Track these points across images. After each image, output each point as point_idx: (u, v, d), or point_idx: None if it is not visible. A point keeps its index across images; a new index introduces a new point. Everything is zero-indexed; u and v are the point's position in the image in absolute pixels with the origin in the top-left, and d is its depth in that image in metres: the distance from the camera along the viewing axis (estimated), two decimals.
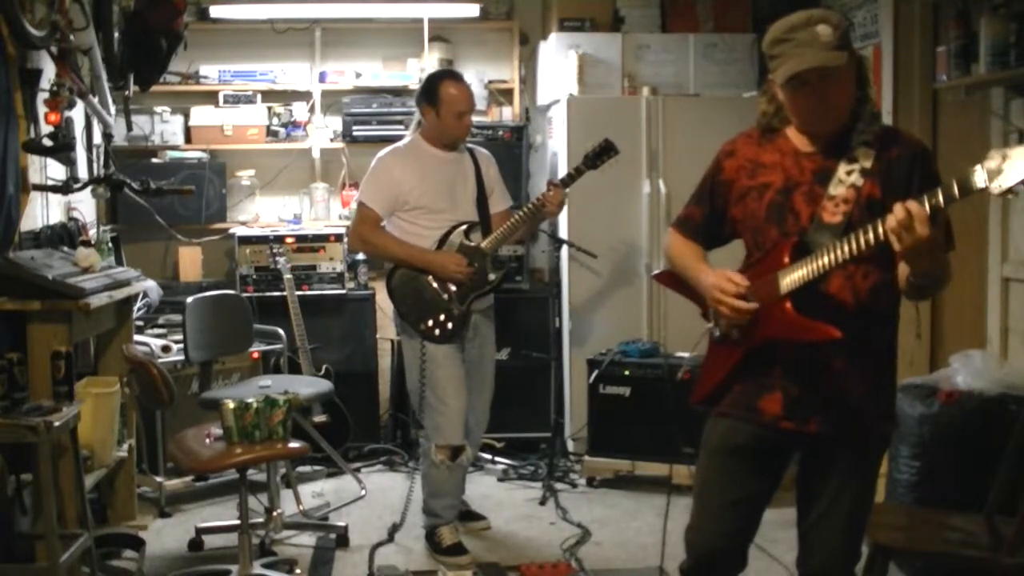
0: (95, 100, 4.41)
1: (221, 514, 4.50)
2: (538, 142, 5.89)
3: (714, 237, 2.65)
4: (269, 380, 4.56)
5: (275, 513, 4.15)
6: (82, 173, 4.57)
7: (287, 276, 5.15)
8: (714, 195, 2.60)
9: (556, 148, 5.55)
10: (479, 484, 4.94)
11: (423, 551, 4.12)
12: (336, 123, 5.81)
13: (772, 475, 2.58)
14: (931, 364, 4.57)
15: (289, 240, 5.43)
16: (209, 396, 4.29)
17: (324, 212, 5.81)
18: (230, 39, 5.78)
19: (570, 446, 5.31)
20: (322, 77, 5.79)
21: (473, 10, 5.73)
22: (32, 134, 3.88)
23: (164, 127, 5.61)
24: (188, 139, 5.67)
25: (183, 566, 3.98)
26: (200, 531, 4.20)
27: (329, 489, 4.94)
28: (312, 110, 5.79)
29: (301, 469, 5.07)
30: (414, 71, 5.74)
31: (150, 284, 4.81)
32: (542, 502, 4.72)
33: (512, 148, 5.54)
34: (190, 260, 5.63)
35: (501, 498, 4.82)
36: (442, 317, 4.07)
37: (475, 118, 5.31)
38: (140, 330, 4.80)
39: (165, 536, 4.34)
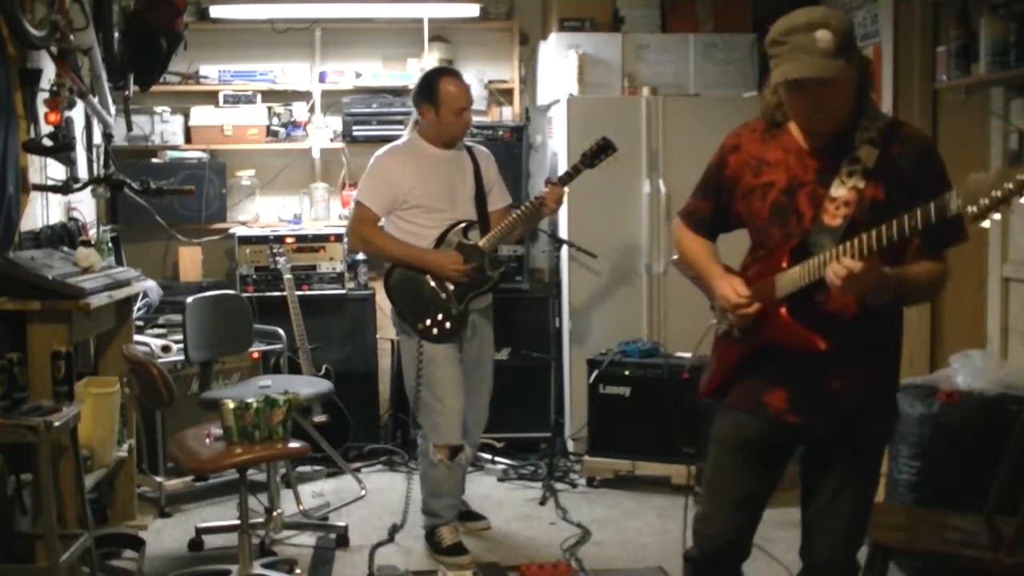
0: (95, 100, 4.41)
1: (221, 514, 4.50)
2: (538, 142, 5.89)
3: (720, 229, 2.68)
4: (269, 380, 4.56)
5: (275, 513, 4.15)
6: (82, 173, 4.57)
7: (287, 276, 5.15)
8: (720, 190, 2.61)
9: (556, 148, 5.55)
10: (479, 484, 4.94)
11: (423, 551, 4.12)
12: (336, 123, 5.81)
13: (778, 468, 2.62)
14: (931, 364, 4.57)
15: (289, 240, 5.43)
16: (209, 396, 4.29)
17: (324, 212, 5.81)
18: (230, 39, 5.78)
19: (570, 446, 5.31)
20: (322, 77, 5.79)
21: (473, 10, 5.73)
22: (32, 134, 3.88)
23: (164, 127, 5.61)
24: (188, 139, 5.68)
25: (183, 566, 3.97)
26: (200, 531, 4.20)
27: (329, 489, 4.94)
28: (312, 110, 5.79)
29: (301, 469, 5.07)
30: (414, 71, 5.73)
31: (150, 284, 4.81)
32: (542, 502, 4.72)
33: (512, 148, 5.54)
34: (190, 260, 5.63)
35: (501, 498, 4.82)
36: (440, 316, 4.07)
37: (475, 118, 5.32)
38: (140, 330, 4.80)
39: (165, 536, 4.34)
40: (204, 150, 5.64)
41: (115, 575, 3.88)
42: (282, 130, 5.75)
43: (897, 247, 2.24)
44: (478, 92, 5.72)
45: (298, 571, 3.88)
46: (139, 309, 4.84)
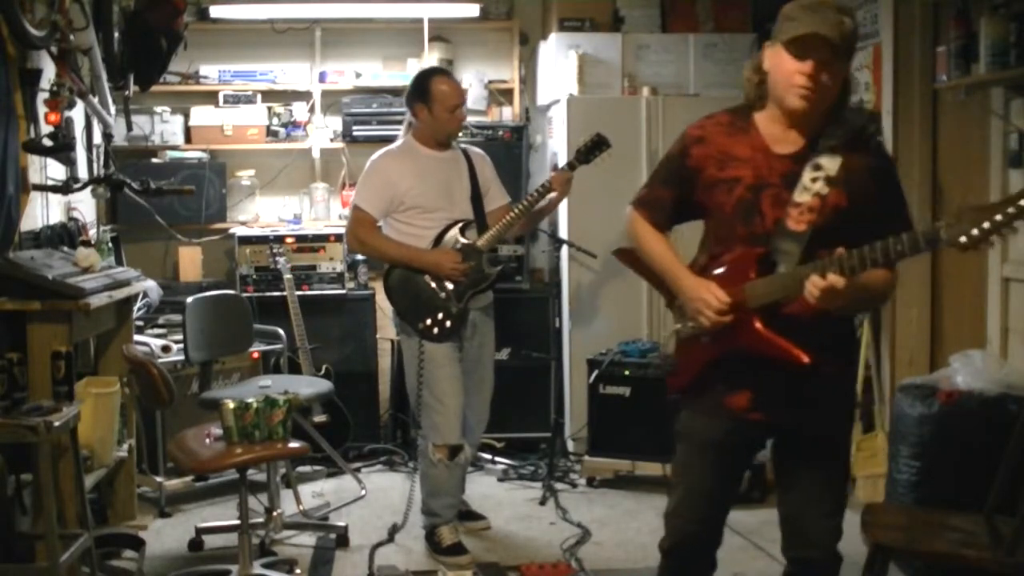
0: (95, 100, 4.41)
1: (221, 514, 4.49)
2: (538, 142, 5.89)
3: (677, 219, 2.68)
4: (269, 380, 4.55)
5: (275, 513, 4.15)
6: (82, 173, 4.57)
7: (287, 276, 5.15)
8: (682, 179, 2.59)
9: (556, 148, 5.55)
10: (479, 484, 4.94)
11: (423, 551, 4.12)
12: (336, 123, 5.81)
13: (744, 462, 2.73)
14: (931, 364, 4.58)
15: (289, 240, 5.43)
16: (209, 396, 4.29)
17: (324, 212, 5.81)
18: (230, 39, 5.78)
19: (570, 446, 5.31)
20: (322, 77, 5.79)
21: (473, 10, 5.73)
22: (32, 134, 3.88)
23: (164, 127, 5.61)
24: (188, 139, 5.68)
25: (183, 566, 3.97)
26: (200, 531, 4.20)
27: (329, 489, 4.94)
28: (312, 110, 5.79)
29: (301, 469, 5.07)
30: (414, 71, 5.69)
31: (150, 284, 4.81)
32: (542, 502, 4.72)
33: (512, 148, 5.54)
34: (190, 260, 5.63)
35: (501, 498, 4.82)
36: (440, 316, 4.07)
37: (475, 118, 5.32)
38: (140, 330, 4.80)
39: (165, 536, 4.34)
40: (204, 150, 5.64)
41: (115, 575, 3.88)
42: (282, 130, 5.75)
43: (842, 244, 2.29)
44: (478, 92, 5.73)
45: (298, 571, 3.88)
46: (139, 309, 4.84)
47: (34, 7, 3.70)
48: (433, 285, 4.09)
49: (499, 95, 5.92)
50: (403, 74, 5.75)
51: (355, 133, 5.68)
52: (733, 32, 5.63)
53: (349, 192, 5.73)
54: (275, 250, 5.26)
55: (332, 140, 5.79)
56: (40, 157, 4.03)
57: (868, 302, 2.52)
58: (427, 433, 4.10)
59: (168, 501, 4.62)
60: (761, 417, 2.52)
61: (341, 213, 5.80)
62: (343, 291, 5.49)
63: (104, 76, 4.40)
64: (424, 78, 4.18)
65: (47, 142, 3.86)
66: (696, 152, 2.55)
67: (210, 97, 5.71)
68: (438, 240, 4.11)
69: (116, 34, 4.49)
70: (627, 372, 4.91)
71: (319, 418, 5.00)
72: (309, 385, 4.58)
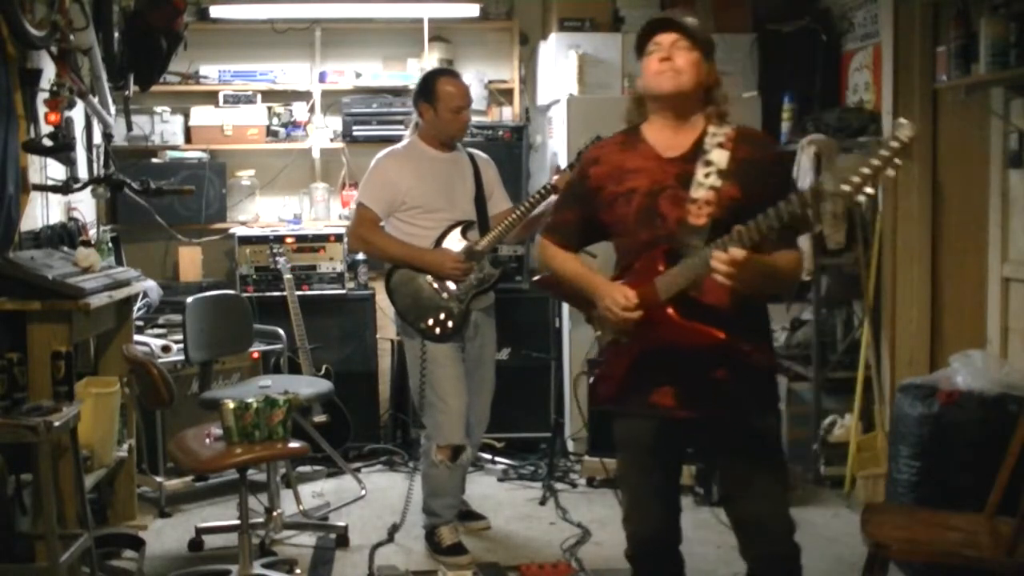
0: (95, 100, 4.41)
1: (221, 514, 4.49)
2: (538, 142, 5.89)
3: (586, 239, 2.84)
4: (269, 380, 4.55)
5: (275, 513, 4.15)
6: (82, 173, 4.57)
7: (287, 276, 5.15)
8: (584, 199, 2.74)
9: (556, 148, 5.55)
10: (479, 484, 4.94)
11: (423, 551, 4.12)
12: (336, 123, 5.81)
13: (680, 457, 2.79)
14: (931, 364, 4.58)
15: (289, 240, 5.43)
16: (209, 396, 4.29)
17: (324, 212, 5.81)
18: (230, 39, 5.78)
19: (570, 446, 5.31)
20: (322, 77, 5.79)
21: (473, 10, 5.73)
22: (32, 134, 3.88)
23: (164, 127, 5.61)
24: (188, 139, 5.67)
25: (183, 566, 3.97)
26: (200, 531, 4.20)
27: (329, 489, 4.94)
28: (312, 110, 5.79)
29: (301, 469, 5.07)
30: (414, 71, 5.73)
31: (150, 284, 4.81)
32: (542, 502, 4.72)
33: (512, 148, 5.53)
34: (190, 260, 5.63)
35: (501, 498, 4.82)
36: (442, 316, 4.08)
37: (475, 118, 5.30)
38: (140, 330, 4.80)
39: (165, 536, 4.34)
40: (204, 150, 5.64)
41: (115, 575, 3.88)
42: (282, 130, 5.75)
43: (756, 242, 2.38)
44: (478, 92, 5.72)
45: (298, 571, 3.88)
46: (139, 309, 4.84)
47: (34, 7, 3.70)
48: (435, 285, 4.09)
49: (499, 95, 5.92)
50: (403, 74, 5.76)
51: (355, 133, 5.68)
52: (733, 32, 5.62)
53: (349, 192, 5.75)
54: (275, 250, 5.26)
55: (332, 140, 5.79)
56: (40, 157, 4.03)
57: (780, 284, 2.58)
58: (431, 433, 4.10)
59: (168, 501, 4.62)
60: (687, 415, 2.59)
61: (341, 213, 5.80)
62: (343, 291, 5.48)
63: (104, 76, 4.40)
64: (431, 78, 4.20)
65: (47, 142, 3.86)
66: (594, 172, 2.71)
67: (210, 97, 5.71)
68: (439, 240, 4.11)
69: (116, 34, 4.49)
70: None
71: (319, 418, 5.00)
72: (309, 385, 4.58)
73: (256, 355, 5.03)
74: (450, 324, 4.08)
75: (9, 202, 3.63)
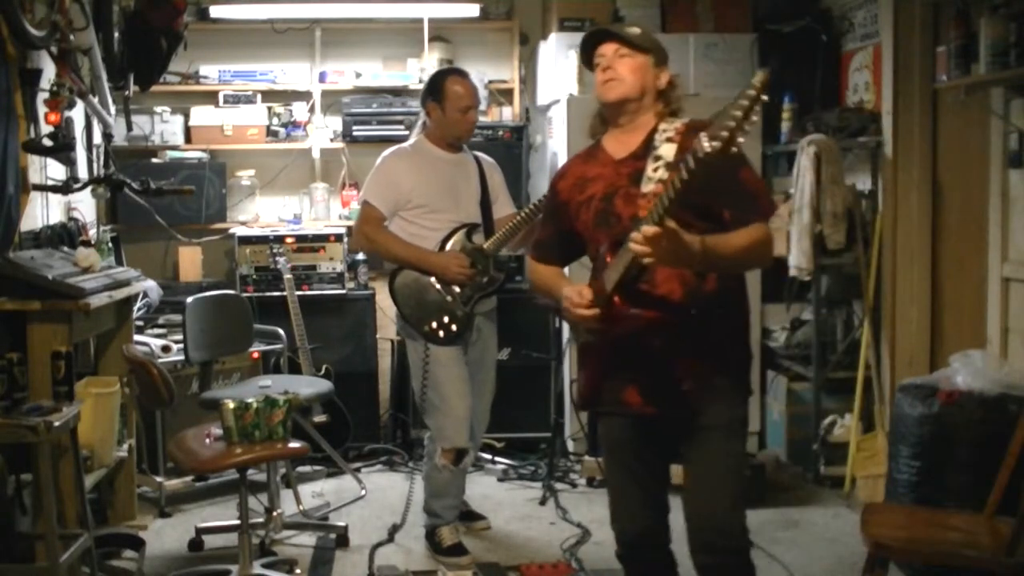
0: (95, 100, 4.41)
1: (221, 514, 4.50)
2: (538, 142, 5.89)
3: (568, 253, 2.88)
4: (269, 380, 4.56)
5: (275, 513, 4.15)
6: (82, 173, 4.57)
7: (287, 276, 5.15)
8: (557, 214, 2.81)
9: (556, 148, 5.55)
10: (479, 484, 4.94)
11: (423, 551, 4.12)
12: (336, 123, 5.81)
13: (660, 454, 2.75)
14: (931, 364, 4.58)
15: (289, 240, 5.43)
16: (209, 396, 4.29)
17: (324, 212, 5.81)
18: (230, 39, 5.78)
19: (570, 446, 5.31)
20: (322, 77, 5.79)
21: (473, 10, 5.73)
22: (32, 134, 3.88)
23: (164, 127, 5.61)
24: (188, 139, 5.68)
25: (183, 566, 3.97)
26: (200, 531, 4.20)
27: (329, 489, 4.94)
28: (312, 110, 5.79)
29: (301, 469, 5.07)
30: (414, 71, 5.74)
31: (150, 284, 4.81)
32: (542, 502, 4.72)
33: (512, 148, 5.54)
34: (190, 260, 5.63)
35: (501, 498, 4.82)
36: (446, 319, 4.07)
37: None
38: (140, 330, 4.80)
39: (165, 536, 4.34)
40: (204, 150, 5.64)
41: (115, 575, 3.88)
42: (282, 130, 5.75)
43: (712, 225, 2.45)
44: (478, 92, 5.72)
45: (298, 571, 3.88)
46: (139, 309, 4.85)
47: (34, 7, 3.70)
48: (439, 288, 4.09)
49: (499, 95, 5.92)
50: (403, 74, 5.76)
51: (355, 133, 5.68)
52: (733, 32, 5.62)
53: (349, 192, 5.76)
54: (275, 250, 5.26)
55: (332, 140, 5.79)
56: (40, 157, 4.03)
57: (738, 259, 2.52)
58: (434, 435, 4.10)
59: (168, 501, 4.62)
60: (654, 411, 2.61)
61: (341, 213, 5.80)
62: (343, 291, 5.48)
63: (104, 76, 4.40)
64: (439, 78, 4.20)
65: (47, 142, 3.86)
66: (561, 186, 2.81)
67: (210, 97, 5.71)
68: (444, 243, 4.11)
69: (116, 34, 4.48)
70: None
71: (319, 418, 5.00)
72: (309, 385, 4.58)
73: (256, 355, 5.03)
74: (454, 327, 4.07)
75: (9, 202, 3.63)
